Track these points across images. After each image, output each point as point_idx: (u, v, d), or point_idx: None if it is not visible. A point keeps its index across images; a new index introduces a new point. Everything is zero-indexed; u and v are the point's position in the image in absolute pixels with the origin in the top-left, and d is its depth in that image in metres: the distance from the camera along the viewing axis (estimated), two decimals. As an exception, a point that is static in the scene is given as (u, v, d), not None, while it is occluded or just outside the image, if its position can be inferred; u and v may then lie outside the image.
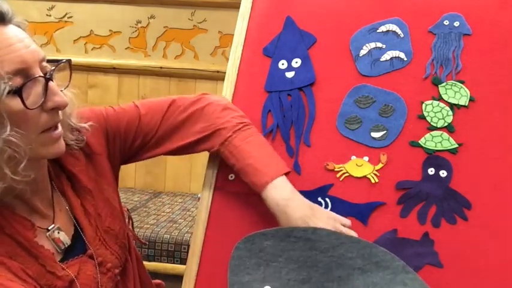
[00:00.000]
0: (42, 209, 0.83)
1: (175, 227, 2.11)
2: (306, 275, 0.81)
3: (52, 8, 2.63)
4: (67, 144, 0.83)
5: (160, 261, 2.01)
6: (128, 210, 1.02)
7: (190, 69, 2.55)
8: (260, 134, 0.96)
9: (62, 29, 2.65)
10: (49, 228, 0.83)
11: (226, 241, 0.96)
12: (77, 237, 0.86)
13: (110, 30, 2.64)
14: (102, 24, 2.63)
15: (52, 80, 0.74)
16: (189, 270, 0.96)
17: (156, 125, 0.95)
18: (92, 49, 2.66)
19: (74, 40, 2.64)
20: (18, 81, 0.71)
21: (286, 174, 0.90)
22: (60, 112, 0.77)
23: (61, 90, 0.77)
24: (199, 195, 1.04)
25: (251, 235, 0.83)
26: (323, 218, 0.86)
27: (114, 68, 2.62)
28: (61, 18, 2.65)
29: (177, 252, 2.01)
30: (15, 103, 0.71)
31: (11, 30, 0.73)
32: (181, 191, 2.64)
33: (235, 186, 0.97)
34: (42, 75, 0.73)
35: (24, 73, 0.71)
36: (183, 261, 1.94)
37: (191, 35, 2.59)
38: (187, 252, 0.99)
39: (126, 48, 2.64)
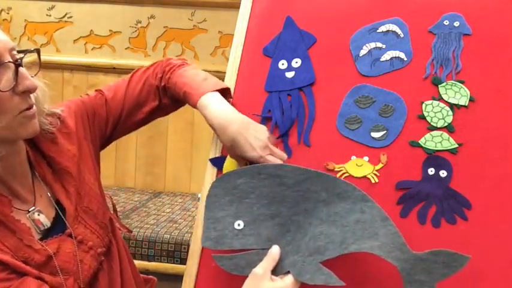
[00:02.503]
0: (23, 194, 0.87)
1: (175, 227, 2.11)
2: (275, 209, 0.87)
3: (52, 8, 2.63)
4: (43, 129, 0.89)
5: (160, 261, 2.01)
6: (110, 197, 1.06)
7: (190, 69, 2.55)
8: (196, 67, 1.05)
9: (62, 29, 2.65)
10: (29, 210, 0.87)
11: (226, 241, 0.96)
12: (57, 220, 0.90)
13: (110, 30, 2.64)
14: (102, 24, 2.63)
15: (22, 66, 0.80)
16: (189, 270, 0.96)
17: (122, 101, 1.04)
18: (92, 49, 2.66)
19: (74, 40, 2.64)
20: None
21: (224, 93, 0.98)
22: (32, 96, 0.82)
23: (31, 77, 0.82)
24: (199, 195, 1.04)
25: (225, 174, 0.89)
26: (257, 136, 0.91)
27: (114, 68, 2.62)
28: (61, 18, 2.65)
29: (177, 252, 2.01)
30: None
31: None
32: (181, 191, 2.64)
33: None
34: (12, 61, 0.78)
35: None
36: (183, 261, 1.94)
37: (191, 35, 2.59)
38: (187, 252, 0.99)
39: (126, 48, 2.64)
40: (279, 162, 0.90)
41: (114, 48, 2.65)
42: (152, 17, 2.61)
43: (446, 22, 0.99)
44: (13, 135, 0.81)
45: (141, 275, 1.12)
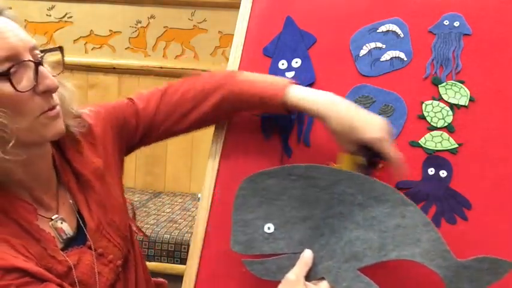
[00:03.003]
0: (46, 201, 0.85)
1: (175, 227, 2.11)
2: (307, 212, 0.83)
3: (52, 8, 2.64)
4: (70, 131, 0.86)
5: (160, 261, 2.01)
6: (131, 203, 1.04)
7: (190, 69, 2.55)
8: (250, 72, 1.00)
9: (62, 29, 2.65)
10: (52, 217, 0.85)
11: (226, 241, 0.96)
12: (79, 230, 0.88)
13: (110, 30, 2.64)
14: (102, 24, 2.63)
15: (42, 65, 0.77)
16: (189, 270, 0.96)
17: (153, 113, 0.99)
18: (92, 49, 2.66)
19: (74, 40, 2.64)
20: (7, 66, 0.73)
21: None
22: (55, 96, 0.80)
23: (54, 76, 0.79)
24: (199, 195, 1.04)
25: (253, 175, 0.85)
26: (371, 116, 0.86)
27: (114, 68, 2.62)
28: (61, 18, 2.65)
29: (177, 252, 2.01)
30: (5, 87, 0.73)
31: (1, 21, 0.76)
32: (181, 191, 2.64)
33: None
34: (32, 60, 0.76)
35: (13, 59, 0.74)
36: (183, 261, 1.94)
37: (191, 35, 2.59)
38: (187, 252, 0.99)
39: (126, 48, 2.64)
40: (399, 152, 0.85)
41: (114, 48, 2.65)
42: (152, 17, 2.61)
43: (446, 22, 0.99)
44: (37, 138, 0.79)
45: (153, 278, 1.11)
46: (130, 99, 1.00)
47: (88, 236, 0.88)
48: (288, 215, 0.83)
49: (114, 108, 0.98)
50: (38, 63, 0.76)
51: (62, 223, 0.86)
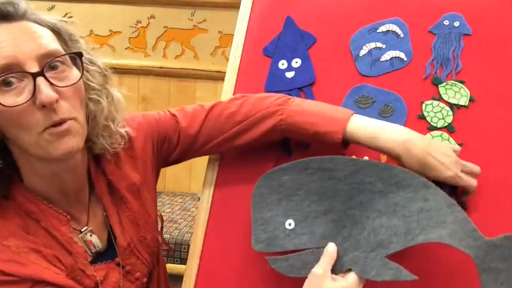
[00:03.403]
0: (75, 214, 0.84)
1: (175, 227, 2.11)
2: (327, 205, 0.82)
3: (52, 8, 2.64)
4: (100, 149, 0.83)
5: (160, 261, 2.01)
6: (161, 216, 1.02)
7: (190, 69, 2.55)
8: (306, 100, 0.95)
9: (62, 29, 2.65)
10: (82, 230, 0.84)
11: (227, 241, 0.96)
12: (110, 244, 0.87)
13: (110, 30, 2.64)
14: (102, 24, 2.63)
15: (43, 75, 0.70)
16: (189, 270, 0.96)
17: (195, 135, 0.95)
18: (92, 49, 2.66)
19: (74, 40, 2.64)
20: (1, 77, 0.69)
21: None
22: (64, 111, 0.72)
23: (66, 86, 0.73)
24: (199, 195, 1.04)
25: (269, 172, 0.85)
26: (443, 151, 0.83)
27: (114, 68, 2.60)
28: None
29: (177, 252, 2.01)
30: (2, 99, 0.69)
31: (10, 28, 0.72)
32: (181, 191, 2.64)
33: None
34: (29, 71, 0.70)
35: (11, 69, 0.69)
36: (183, 261, 1.94)
37: (191, 35, 2.59)
38: (187, 252, 0.99)
39: (126, 48, 2.64)
40: (473, 181, 0.83)
41: (114, 48, 2.65)
42: (152, 17, 2.61)
43: (446, 22, 0.99)
44: (45, 154, 0.73)
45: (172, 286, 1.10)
46: (173, 115, 0.97)
47: (118, 253, 0.86)
48: (308, 209, 0.83)
49: (157, 121, 0.95)
50: (37, 74, 0.70)
51: (91, 235, 0.84)
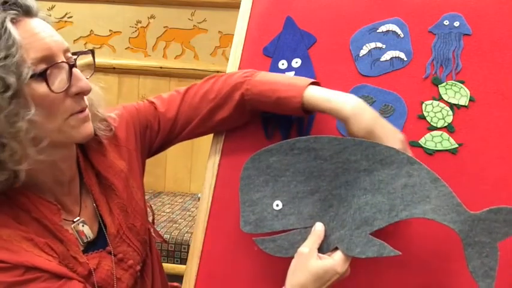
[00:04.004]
0: (69, 204, 0.86)
1: (175, 227, 2.11)
2: (313, 185, 0.83)
3: (52, 8, 2.63)
4: (97, 134, 0.87)
5: (161, 261, 2.01)
6: (151, 206, 1.04)
7: (190, 69, 2.55)
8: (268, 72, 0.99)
9: (62, 29, 2.65)
10: (74, 220, 0.86)
11: (227, 241, 0.96)
12: (100, 233, 0.88)
13: (110, 30, 2.64)
14: (102, 24, 2.63)
15: (76, 67, 0.78)
16: (189, 270, 0.96)
17: (174, 117, 0.99)
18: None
19: (74, 40, 2.64)
20: (42, 66, 0.74)
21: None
22: (86, 99, 0.80)
23: (87, 78, 0.80)
24: (199, 195, 1.04)
25: (256, 154, 0.86)
26: (392, 127, 0.86)
27: (114, 68, 2.61)
28: (61, 18, 2.65)
29: (177, 252, 2.01)
30: (40, 87, 0.73)
31: (36, 22, 0.76)
32: (181, 191, 2.64)
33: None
34: (66, 61, 0.77)
35: (48, 60, 0.75)
36: (183, 261, 1.94)
37: (191, 35, 2.59)
38: (187, 252, 0.99)
39: (126, 48, 2.64)
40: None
41: (114, 48, 2.65)
42: (152, 17, 2.61)
43: (446, 22, 0.99)
44: (66, 139, 0.79)
45: (169, 283, 1.10)
46: (151, 102, 1.00)
47: (108, 241, 0.88)
48: (295, 190, 0.83)
49: (137, 110, 0.98)
50: (72, 65, 0.77)
51: (83, 226, 0.86)
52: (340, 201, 0.81)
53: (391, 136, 0.84)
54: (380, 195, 0.78)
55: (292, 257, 0.80)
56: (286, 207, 0.83)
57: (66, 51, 0.78)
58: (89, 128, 0.80)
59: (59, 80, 0.76)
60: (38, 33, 0.75)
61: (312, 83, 0.91)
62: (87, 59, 0.83)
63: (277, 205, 0.84)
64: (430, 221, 0.77)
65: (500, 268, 0.77)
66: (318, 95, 0.88)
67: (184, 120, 0.98)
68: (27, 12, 0.76)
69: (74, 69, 0.77)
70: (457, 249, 0.79)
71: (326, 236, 0.81)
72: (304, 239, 0.81)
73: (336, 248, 0.79)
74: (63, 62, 0.76)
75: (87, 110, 0.80)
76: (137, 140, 0.97)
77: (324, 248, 0.80)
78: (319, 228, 0.81)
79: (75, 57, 0.79)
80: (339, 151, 0.81)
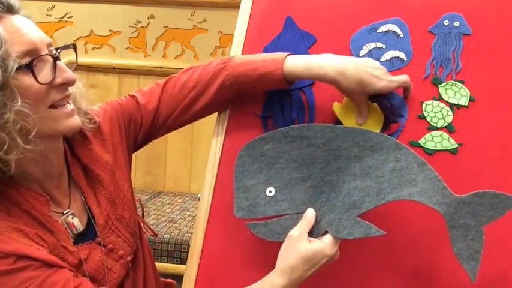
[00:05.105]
0: (58, 197, 0.87)
1: (175, 227, 2.11)
2: (306, 172, 0.85)
3: (52, 8, 2.64)
4: (81, 128, 0.88)
5: (161, 261, 2.01)
6: (140, 200, 1.05)
7: (191, 69, 2.55)
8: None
9: (62, 29, 2.65)
10: (64, 212, 0.87)
11: (227, 241, 0.96)
12: (89, 225, 0.90)
13: (110, 30, 2.64)
14: (102, 24, 2.63)
15: (59, 59, 0.80)
16: (189, 270, 0.96)
17: (155, 108, 1.00)
18: (92, 49, 2.66)
19: (74, 40, 2.64)
20: (27, 59, 0.76)
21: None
22: (70, 90, 0.83)
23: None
24: (199, 195, 1.04)
25: (251, 142, 0.88)
26: (372, 65, 0.90)
27: (114, 68, 2.62)
28: (61, 18, 2.65)
29: (177, 252, 2.01)
30: (26, 78, 0.76)
31: (19, 19, 0.79)
32: (181, 191, 2.64)
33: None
34: (49, 54, 0.79)
35: (33, 53, 0.77)
36: (183, 261, 1.94)
37: (191, 35, 2.59)
38: (187, 252, 0.99)
39: (126, 48, 2.64)
40: (403, 76, 0.91)
41: (114, 48, 2.65)
42: (152, 17, 2.61)
43: (446, 22, 0.99)
44: (53, 131, 0.81)
45: (162, 279, 1.11)
46: (132, 96, 1.02)
47: (97, 231, 0.89)
48: (288, 176, 0.85)
49: (120, 105, 1.00)
50: (56, 58, 0.80)
51: (72, 218, 0.87)
52: (331, 187, 0.83)
53: (377, 77, 0.88)
54: (369, 179, 0.80)
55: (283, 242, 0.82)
56: (279, 193, 0.85)
57: (49, 45, 0.80)
58: (75, 121, 0.83)
59: (44, 72, 0.78)
60: (21, 29, 0.77)
61: (289, 55, 0.94)
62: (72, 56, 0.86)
63: (270, 191, 0.86)
64: (418, 204, 0.78)
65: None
66: (297, 64, 0.92)
67: (166, 111, 1.01)
68: (9, 9, 0.78)
69: (58, 62, 0.80)
70: (443, 231, 0.80)
71: (317, 221, 0.82)
72: (295, 225, 0.82)
73: (326, 233, 0.80)
74: (47, 54, 0.78)
75: (71, 105, 0.83)
76: (122, 134, 0.99)
77: (314, 233, 0.82)
78: (310, 213, 0.83)
79: (57, 51, 0.81)
80: (331, 139, 0.84)
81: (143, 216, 1.06)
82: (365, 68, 0.88)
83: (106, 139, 0.95)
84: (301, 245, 0.78)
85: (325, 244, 0.78)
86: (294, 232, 0.81)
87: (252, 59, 0.96)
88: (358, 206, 0.79)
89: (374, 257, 0.90)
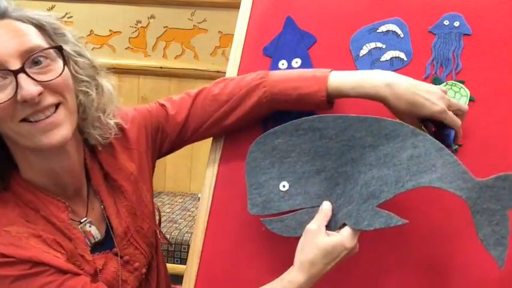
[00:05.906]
0: (73, 207, 0.85)
1: (175, 227, 2.11)
2: (319, 164, 0.83)
3: (52, 8, 2.63)
4: (92, 140, 0.85)
5: (160, 261, 2.01)
6: (158, 209, 1.04)
7: (191, 69, 2.55)
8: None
9: (62, 29, 2.65)
10: (81, 221, 0.85)
11: (227, 241, 0.96)
12: (107, 235, 0.88)
13: (110, 30, 2.64)
14: (102, 24, 2.63)
15: (25, 72, 0.71)
16: (189, 270, 0.96)
17: (184, 121, 0.97)
18: (92, 49, 2.66)
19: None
20: None
21: None
22: (51, 98, 0.74)
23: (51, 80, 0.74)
24: (199, 195, 1.04)
25: (262, 136, 0.86)
26: (427, 89, 0.84)
27: (114, 68, 2.61)
28: (61, 18, 2.63)
29: (177, 252, 2.01)
30: None
31: None
32: (181, 191, 2.64)
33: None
34: (11, 68, 0.71)
35: None
36: (183, 261, 1.94)
37: (191, 35, 2.59)
38: (187, 252, 0.99)
39: (126, 48, 2.64)
40: (458, 120, 0.84)
41: (114, 48, 2.65)
42: (152, 17, 2.61)
43: (446, 22, 0.99)
44: (33, 145, 0.75)
45: (172, 285, 1.10)
46: (162, 105, 0.99)
47: (115, 242, 0.87)
48: (301, 170, 0.84)
49: (149, 112, 0.97)
50: (18, 71, 0.71)
51: (90, 226, 0.85)
52: (346, 178, 0.82)
53: (430, 101, 0.82)
54: (386, 168, 0.78)
55: (300, 237, 0.80)
56: (293, 187, 0.84)
57: (25, 52, 0.72)
58: (55, 136, 0.74)
59: (10, 88, 0.71)
60: None
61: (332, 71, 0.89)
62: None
63: (284, 186, 0.84)
64: (438, 190, 0.76)
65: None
66: (345, 83, 0.87)
67: (195, 123, 0.97)
68: None
69: (19, 76, 0.71)
70: (467, 217, 0.77)
71: (333, 214, 0.81)
72: (311, 218, 0.81)
73: (344, 225, 0.79)
74: (6, 70, 0.71)
75: (55, 116, 0.74)
76: (148, 142, 0.96)
77: (331, 226, 0.80)
78: (326, 206, 0.81)
79: (39, 54, 0.73)
80: (344, 129, 0.82)
81: (160, 224, 1.04)
82: (419, 90, 0.83)
83: (132, 148, 0.92)
84: (320, 239, 0.77)
85: (344, 237, 0.77)
86: (311, 226, 0.79)
87: (291, 77, 0.91)
88: (377, 195, 0.77)
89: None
